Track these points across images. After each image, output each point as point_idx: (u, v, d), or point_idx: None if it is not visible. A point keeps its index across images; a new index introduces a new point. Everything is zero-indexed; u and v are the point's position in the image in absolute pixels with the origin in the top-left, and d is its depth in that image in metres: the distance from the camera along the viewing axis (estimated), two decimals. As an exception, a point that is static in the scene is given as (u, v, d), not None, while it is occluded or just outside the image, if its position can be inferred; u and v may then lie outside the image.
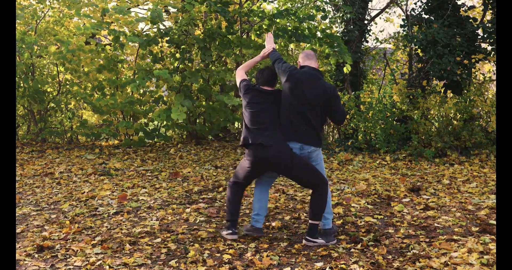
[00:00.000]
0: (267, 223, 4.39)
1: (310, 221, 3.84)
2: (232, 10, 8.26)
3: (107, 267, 3.36)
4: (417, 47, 8.75)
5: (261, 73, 4.05)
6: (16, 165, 7.10)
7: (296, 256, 3.60)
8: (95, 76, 8.76)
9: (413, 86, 8.96)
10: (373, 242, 3.86)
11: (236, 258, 3.56)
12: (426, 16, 9.04)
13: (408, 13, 9.47)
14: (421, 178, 6.44)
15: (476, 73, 8.90)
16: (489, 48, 8.90)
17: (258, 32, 8.36)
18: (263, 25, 8.40)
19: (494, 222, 4.28)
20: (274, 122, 3.89)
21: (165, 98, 8.90)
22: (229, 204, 3.99)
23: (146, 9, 8.34)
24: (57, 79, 9.66)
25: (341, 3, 9.63)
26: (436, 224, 4.32)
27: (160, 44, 8.86)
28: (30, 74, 9.26)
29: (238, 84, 4.13)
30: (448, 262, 3.40)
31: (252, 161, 3.84)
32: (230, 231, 3.93)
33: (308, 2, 11.11)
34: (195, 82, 8.14)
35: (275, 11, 8.15)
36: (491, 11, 9.02)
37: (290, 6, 10.80)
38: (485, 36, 8.63)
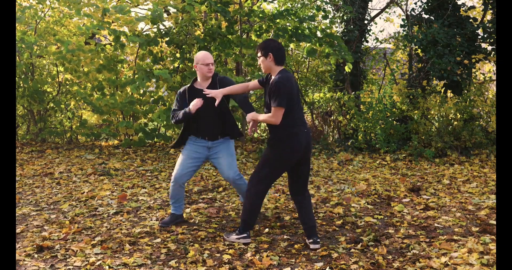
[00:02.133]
0: (267, 224, 4.39)
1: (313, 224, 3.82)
2: (232, 10, 8.26)
3: (107, 267, 3.36)
4: (417, 47, 8.75)
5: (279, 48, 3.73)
6: (16, 165, 7.10)
7: (296, 256, 3.60)
8: (95, 76, 8.75)
9: (413, 86, 8.96)
10: (373, 242, 3.86)
11: (236, 258, 3.56)
12: (426, 16, 9.04)
13: (408, 13, 9.47)
14: (421, 178, 6.44)
15: (476, 73, 8.90)
16: (489, 48, 8.90)
17: (258, 33, 8.35)
18: (263, 25, 8.40)
19: (494, 222, 4.28)
20: None
21: (165, 98, 8.90)
22: (252, 218, 3.81)
23: (146, 9, 8.33)
24: (57, 79, 9.66)
25: (341, 3, 9.62)
26: (436, 224, 4.32)
27: (160, 44, 8.85)
28: (30, 74, 9.25)
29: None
30: (448, 262, 3.39)
31: (297, 151, 3.67)
32: (245, 235, 3.85)
33: (308, 2, 11.11)
34: (195, 82, 8.12)
35: (275, 11, 8.15)
36: (491, 11, 9.02)
37: (290, 6, 10.80)
38: (485, 36, 8.63)
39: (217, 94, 3.96)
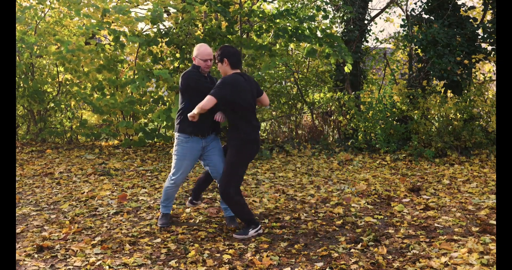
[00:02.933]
0: (267, 224, 4.39)
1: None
2: (232, 10, 8.25)
3: (107, 267, 3.36)
4: (417, 47, 8.75)
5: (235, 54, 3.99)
6: (16, 165, 7.10)
7: (296, 256, 3.60)
8: (95, 76, 8.75)
9: (413, 86, 8.96)
10: (373, 242, 3.86)
11: (236, 258, 3.56)
12: (426, 16, 9.04)
13: (408, 13, 9.47)
14: (421, 178, 6.44)
15: (476, 73, 8.90)
16: (489, 48, 8.90)
17: (258, 33, 8.35)
18: (263, 25, 8.40)
19: (494, 222, 4.28)
20: None
21: (165, 98, 8.89)
22: (249, 212, 4.03)
23: (146, 9, 8.33)
24: (57, 79, 9.66)
25: (341, 3, 9.62)
26: (436, 224, 4.32)
27: (160, 44, 8.85)
28: (30, 74, 9.25)
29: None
30: (448, 262, 3.40)
31: (253, 155, 4.03)
32: (260, 226, 4.06)
33: (308, 2, 11.11)
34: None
35: (275, 12, 8.14)
36: (491, 11, 9.02)
37: (290, 6, 10.79)
38: (485, 36, 8.63)
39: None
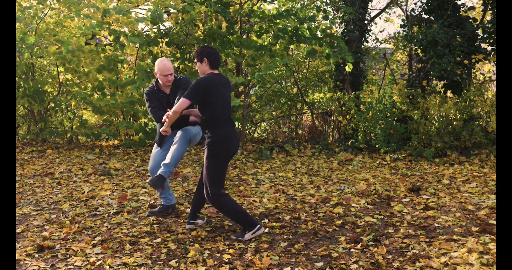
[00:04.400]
0: (267, 224, 4.39)
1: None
2: (232, 10, 8.26)
3: (107, 267, 3.36)
4: (417, 47, 8.76)
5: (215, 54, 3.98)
6: (16, 165, 7.10)
7: (296, 256, 3.60)
8: (95, 76, 8.76)
9: (413, 86, 8.96)
10: (373, 242, 3.87)
11: (236, 258, 3.56)
12: (426, 16, 9.05)
13: (408, 13, 9.47)
14: (421, 178, 6.45)
15: (476, 73, 8.91)
16: (489, 48, 8.90)
17: (258, 33, 8.35)
18: (264, 26, 8.40)
19: (494, 222, 4.28)
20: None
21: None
22: (242, 213, 3.90)
23: (146, 10, 8.33)
24: (57, 79, 9.66)
25: (342, 4, 9.63)
26: (436, 224, 4.32)
27: (161, 45, 8.85)
28: (30, 74, 9.26)
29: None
30: (448, 262, 3.40)
31: (231, 153, 3.92)
32: (257, 227, 3.91)
33: (308, 2, 11.11)
34: (195, 82, 8.10)
35: (275, 12, 8.14)
36: (491, 12, 9.03)
37: (290, 6, 10.80)
38: (485, 36, 8.63)
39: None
